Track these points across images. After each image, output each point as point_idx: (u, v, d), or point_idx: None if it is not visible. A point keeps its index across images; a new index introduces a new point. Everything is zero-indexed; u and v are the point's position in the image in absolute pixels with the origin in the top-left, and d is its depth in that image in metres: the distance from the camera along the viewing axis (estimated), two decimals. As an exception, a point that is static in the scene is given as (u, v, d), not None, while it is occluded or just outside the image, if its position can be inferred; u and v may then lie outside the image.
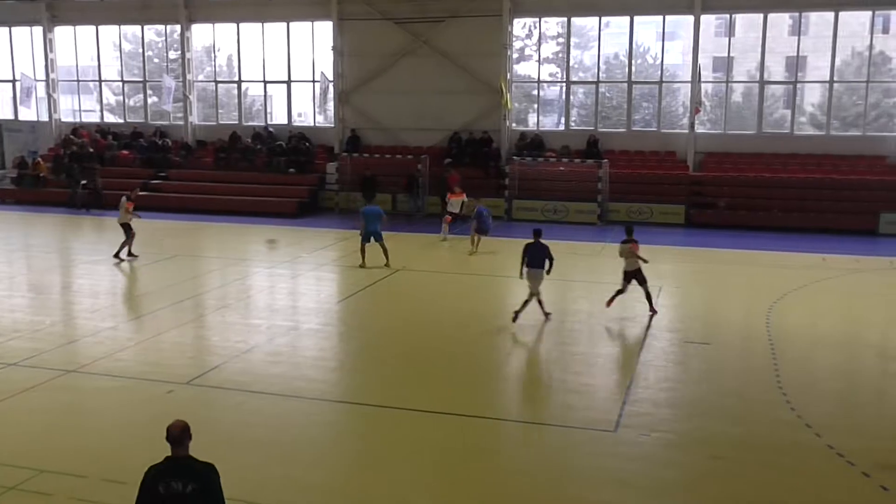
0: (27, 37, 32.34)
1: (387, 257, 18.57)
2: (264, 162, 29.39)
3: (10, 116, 33.15)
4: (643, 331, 13.87)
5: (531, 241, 14.11)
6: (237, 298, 16.10)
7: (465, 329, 13.99)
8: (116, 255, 19.07)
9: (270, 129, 30.17)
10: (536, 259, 13.89)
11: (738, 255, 21.00)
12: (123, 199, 19.45)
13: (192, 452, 5.65)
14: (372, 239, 18.61)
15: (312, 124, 31.27)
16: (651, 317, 14.46)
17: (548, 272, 13.88)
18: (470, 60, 28.14)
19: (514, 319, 13.91)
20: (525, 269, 13.99)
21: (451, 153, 28.23)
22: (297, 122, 31.66)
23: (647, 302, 14.60)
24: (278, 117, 31.90)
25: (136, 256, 19.27)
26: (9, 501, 7.89)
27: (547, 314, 14.14)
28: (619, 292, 14.73)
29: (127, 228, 19.20)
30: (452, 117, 28.54)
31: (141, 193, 28.40)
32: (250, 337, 13.51)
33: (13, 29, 32.35)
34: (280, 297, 16.60)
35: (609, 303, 14.75)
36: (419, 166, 27.38)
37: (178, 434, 5.60)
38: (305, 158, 29.40)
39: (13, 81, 32.36)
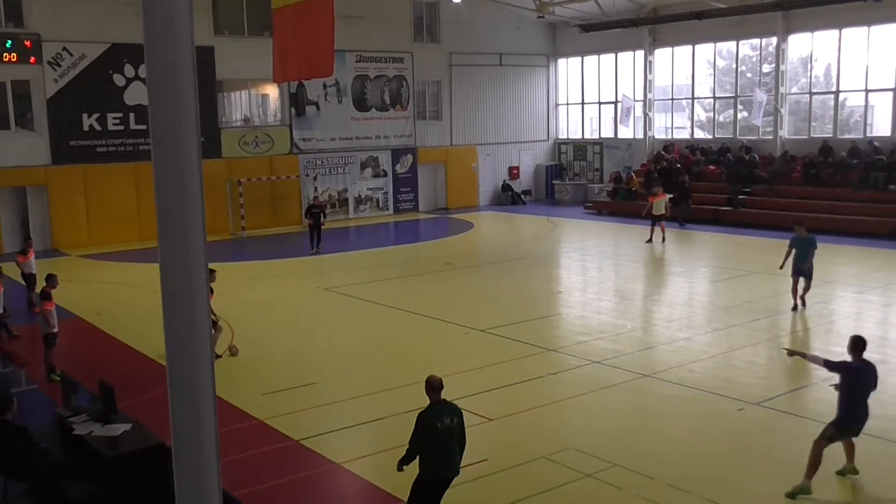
0: (630, 61, 35.05)
1: None
2: (859, 177, 27.13)
3: (611, 135, 36.34)
4: None
5: None
6: (818, 322, 15.12)
7: None
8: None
9: (875, 143, 27.65)
10: None
11: None
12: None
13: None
14: None
15: (920, 135, 27.85)
16: None
17: None
18: None
19: None
20: None
21: None
22: (903, 132, 28.52)
23: None
24: (880, 128, 29.12)
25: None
26: (585, 487, 8.57)
27: None
28: None
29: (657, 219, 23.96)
30: None
31: (724, 209, 28.79)
32: (830, 365, 12.54)
33: (619, 54, 35.37)
34: (869, 325, 15.06)
35: None
36: None
37: (440, 384, 7.27)
38: (909, 174, 26.34)
39: (615, 103, 35.40)
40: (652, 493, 8.33)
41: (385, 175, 32.81)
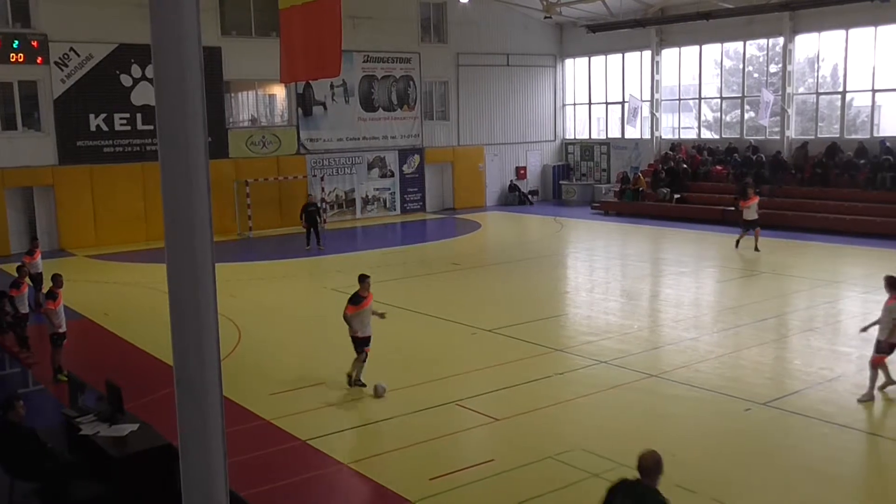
0: (637, 61, 35.00)
1: None
2: (866, 178, 27.03)
3: (618, 135, 36.29)
4: None
5: None
6: (825, 322, 15.07)
7: None
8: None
9: (887, 143, 27.52)
10: None
11: None
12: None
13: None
14: None
15: (929, 135, 27.72)
16: None
17: None
18: None
19: None
20: None
21: None
22: (910, 132, 28.41)
23: None
24: (887, 129, 29.02)
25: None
26: (592, 487, 8.54)
27: None
28: None
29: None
30: None
31: (731, 209, 28.66)
32: (837, 365, 12.51)
33: (626, 54, 35.31)
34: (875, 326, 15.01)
35: None
36: None
37: (650, 466, 5.75)
38: (917, 174, 26.21)
39: (622, 103, 35.35)
40: (659, 493, 8.31)
41: (392, 175, 32.81)
